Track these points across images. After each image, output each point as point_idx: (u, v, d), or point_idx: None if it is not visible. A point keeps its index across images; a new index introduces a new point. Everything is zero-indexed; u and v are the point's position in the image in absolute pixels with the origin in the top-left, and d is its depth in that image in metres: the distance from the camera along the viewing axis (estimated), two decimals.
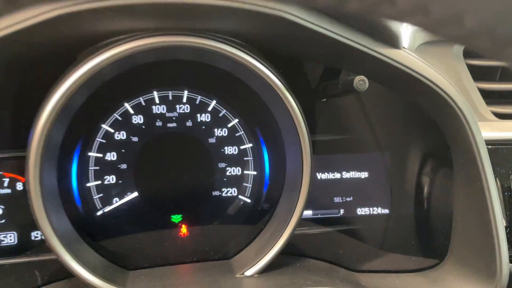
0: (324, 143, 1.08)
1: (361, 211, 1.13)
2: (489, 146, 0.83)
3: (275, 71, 0.82)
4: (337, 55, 0.77)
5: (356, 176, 1.13)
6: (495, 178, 0.82)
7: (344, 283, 0.87)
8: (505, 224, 0.81)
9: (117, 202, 0.99)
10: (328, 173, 1.12)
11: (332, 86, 0.85)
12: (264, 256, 0.89)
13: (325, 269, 0.95)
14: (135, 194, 0.99)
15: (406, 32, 0.83)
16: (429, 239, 0.99)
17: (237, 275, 0.89)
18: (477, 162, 0.78)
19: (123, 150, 0.99)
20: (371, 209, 1.13)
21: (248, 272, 0.90)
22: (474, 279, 0.82)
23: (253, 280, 0.87)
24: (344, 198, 1.13)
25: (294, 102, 0.83)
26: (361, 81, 0.72)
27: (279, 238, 0.89)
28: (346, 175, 1.13)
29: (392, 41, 0.73)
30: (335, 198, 1.13)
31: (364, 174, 1.13)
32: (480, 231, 0.81)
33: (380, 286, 0.88)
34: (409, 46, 0.80)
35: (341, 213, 1.12)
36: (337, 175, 1.12)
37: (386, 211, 1.13)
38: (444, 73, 0.86)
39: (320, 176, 1.12)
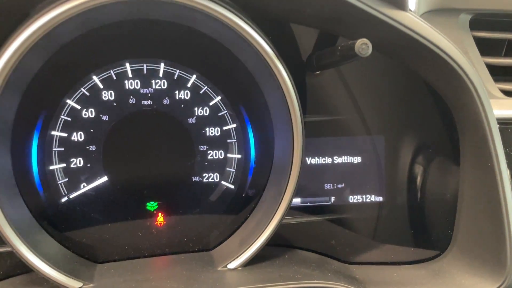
0: (314, 125, 1.00)
1: (353, 198, 1.06)
2: (498, 126, 0.75)
3: (265, 35, 0.72)
4: (335, 16, 0.68)
5: (348, 161, 1.06)
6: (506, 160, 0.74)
7: (337, 276, 0.79)
8: None
9: (84, 188, 0.89)
10: (318, 157, 1.05)
11: (329, 53, 0.76)
12: (248, 248, 0.81)
13: (316, 261, 0.87)
14: (105, 178, 0.89)
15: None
16: (427, 228, 0.92)
17: (219, 268, 0.81)
18: (488, 142, 0.70)
19: (91, 130, 0.90)
20: (364, 196, 1.07)
21: (231, 265, 0.81)
22: (480, 271, 0.74)
23: (236, 274, 0.79)
24: (335, 185, 1.06)
25: (286, 74, 0.74)
26: (363, 45, 0.63)
27: (266, 227, 0.81)
28: (337, 160, 1.05)
29: (398, 2, 0.64)
30: (325, 185, 1.05)
31: (356, 159, 1.06)
32: (488, 218, 0.73)
33: (376, 279, 0.81)
34: (414, 11, 0.72)
35: (332, 201, 1.05)
36: (328, 160, 1.05)
37: (380, 198, 1.07)
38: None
39: (310, 161, 1.04)
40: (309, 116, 0.97)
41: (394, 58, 0.78)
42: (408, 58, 0.75)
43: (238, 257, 0.81)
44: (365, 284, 0.79)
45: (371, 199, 1.06)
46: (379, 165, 1.05)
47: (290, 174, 0.79)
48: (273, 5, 0.73)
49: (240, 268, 0.81)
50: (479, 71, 0.82)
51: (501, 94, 0.83)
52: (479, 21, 0.86)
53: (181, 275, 0.78)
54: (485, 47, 0.88)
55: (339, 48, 0.71)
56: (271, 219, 0.80)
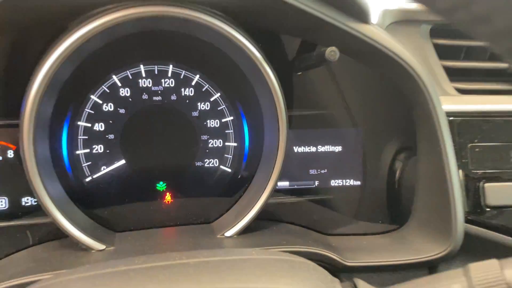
0: (301, 118, 1.15)
1: (335, 182, 1.20)
2: (451, 118, 0.91)
3: (255, 43, 0.88)
4: (311, 28, 0.84)
5: (330, 150, 1.20)
6: (455, 147, 0.90)
7: (316, 243, 0.95)
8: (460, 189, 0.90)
9: (104, 170, 1.05)
10: (304, 147, 1.19)
11: (308, 58, 0.92)
12: (242, 219, 0.97)
13: (299, 232, 1.03)
14: (122, 162, 1.05)
15: (376, 10, 0.91)
16: (395, 206, 1.08)
17: (218, 236, 0.96)
18: (437, 132, 0.86)
19: (110, 121, 1.05)
20: (344, 181, 1.20)
21: (228, 233, 0.97)
22: (433, 238, 0.90)
23: (232, 240, 0.95)
24: (319, 170, 1.20)
25: (272, 75, 0.90)
26: (332, 52, 0.79)
27: (256, 204, 0.96)
28: (321, 149, 1.20)
29: (361, 16, 0.80)
30: (310, 171, 1.20)
31: (338, 148, 1.20)
32: (438, 195, 0.89)
33: (349, 246, 0.97)
34: (378, 23, 0.87)
35: (316, 184, 1.19)
36: (313, 149, 1.19)
37: (358, 183, 1.20)
38: (411, 51, 0.94)
39: (297, 149, 1.19)
40: (296, 110, 1.12)
41: (362, 62, 0.94)
42: (372, 62, 0.91)
43: (233, 227, 0.97)
44: (339, 250, 0.95)
45: (350, 183, 1.21)
46: (358, 153, 1.19)
47: (276, 161, 0.95)
48: (262, 23, 0.89)
49: (235, 236, 0.97)
50: (437, 73, 0.97)
51: (455, 92, 0.99)
52: (439, 30, 1.01)
53: (187, 241, 0.94)
54: (446, 52, 1.03)
55: (314, 54, 0.87)
56: (260, 197, 0.96)
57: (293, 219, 1.14)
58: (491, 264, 0.66)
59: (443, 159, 0.86)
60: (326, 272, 0.72)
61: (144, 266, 0.64)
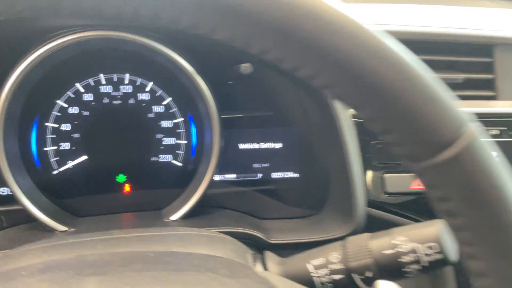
0: (245, 119, 1.32)
1: (276, 175, 1.37)
2: (355, 119, 1.09)
3: (187, 57, 1.06)
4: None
5: (271, 147, 1.37)
6: (360, 144, 1.08)
7: (248, 225, 1.13)
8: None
9: (70, 164, 1.22)
10: (248, 143, 1.36)
11: (235, 69, 1.10)
12: (185, 206, 1.14)
13: (237, 216, 1.20)
14: (85, 157, 1.22)
15: None
16: (320, 195, 1.26)
17: (164, 220, 1.14)
18: (339, 130, 1.04)
19: (76, 122, 1.22)
20: (284, 173, 1.37)
21: (173, 217, 1.14)
22: (341, 220, 1.08)
23: (176, 223, 1.13)
24: (261, 164, 1.36)
25: (203, 85, 1.08)
26: (245, 67, 0.97)
27: (196, 193, 1.14)
28: (263, 145, 1.36)
29: None
30: (254, 164, 1.36)
31: (278, 145, 1.37)
32: (345, 185, 1.07)
33: (276, 228, 1.15)
34: None
35: (259, 177, 1.36)
36: (256, 146, 1.36)
37: (297, 175, 1.37)
38: None
39: (242, 146, 1.35)
40: (238, 113, 1.29)
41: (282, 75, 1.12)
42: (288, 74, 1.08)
43: (177, 212, 1.15)
44: (267, 231, 1.13)
45: (290, 175, 1.38)
46: (296, 149, 1.37)
47: (211, 157, 1.14)
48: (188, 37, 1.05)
49: (180, 220, 1.15)
50: None
51: None
52: None
53: (136, 224, 1.12)
54: None
55: (236, 67, 1.04)
56: (199, 187, 1.14)
57: (237, 206, 1.31)
58: (362, 237, 0.85)
59: (345, 155, 1.04)
60: (242, 244, 0.89)
61: (90, 239, 0.81)
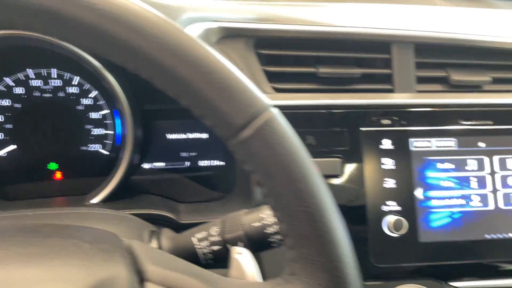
0: (173, 111, 1.41)
1: (202, 163, 1.47)
2: None
3: (95, 56, 1.16)
4: None
5: (198, 137, 1.47)
6: None
7: (165, 208, 1.22)
8: None
9: (2, 153, 1.32)
10: (176, 134, 1.46)
11: None
12: (105, 189, 1.24)
13: (158, 201, 1.30)
14: (14, 146, 1.31)
15: (197, 31, 1.18)
16: (238, 180, 1.36)
17: (85, 202, 1.24)
18: None
19: (8, 114, 1.31)
20: (210, 161, 1.48)
21: (93, 200, 1.24)
22: (242, 202, 1.19)
23: (96, 205, 1.22)
24: (189, 153, 1.47)
25: (112, 80, 1.18)
26: None
27: (114, 179, 1.24)
28: (191, 136, 1.46)
29: None
30: (182, 153, 1.46)
31: (205, 136, 1.48)
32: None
33: (191, 210, 1.25)
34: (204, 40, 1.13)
35: (187, 165, 1.46)
36: (184, 136, 1.46)
37: (223, 163, 1.48)
38: (238, 61, 1.22)
39: (170, 136, 1.46)
40: (161, 105, 1.39)
41: None
42: None
43: (98, 195, 1.25)
44: (181, 213, 1.23)
45: (216, 163, 1.49)
46: (220, 139, 1.48)
47: (126, 144, 1.24)
48: None
49: (100, 203, 1.25)
50: (258, 76, 1.25)
51: (272, 91, 1.27)
52: (264, 42, 1.29)
53: (61, 205, 1.22)
54: (276, 61, 1.31)
55: None
56: (116, 173, 1.24)
57: (163, 192, 1.40)
58: (239, 213, 0.95)
59: None
60: (144, 223, 0.99)
61: (11, 214, 0.91)
